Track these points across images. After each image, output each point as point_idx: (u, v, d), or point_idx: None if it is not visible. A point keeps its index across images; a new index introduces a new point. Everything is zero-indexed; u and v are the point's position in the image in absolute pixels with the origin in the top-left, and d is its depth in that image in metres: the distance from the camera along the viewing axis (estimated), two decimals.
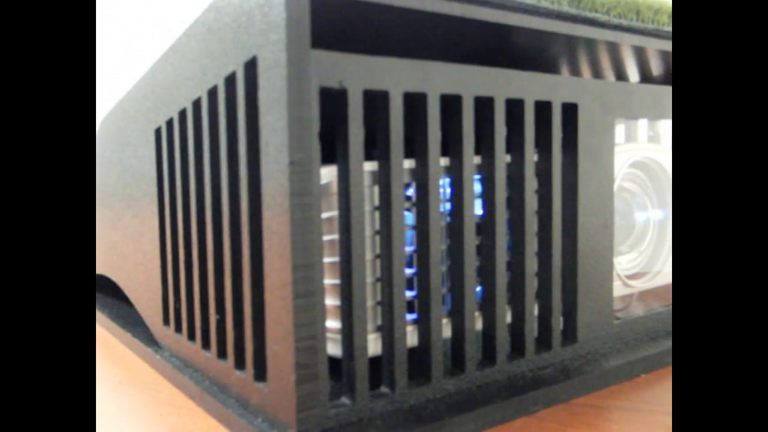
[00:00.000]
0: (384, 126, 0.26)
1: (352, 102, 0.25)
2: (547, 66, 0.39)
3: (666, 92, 0.37)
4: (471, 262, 0.29)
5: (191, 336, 0.35)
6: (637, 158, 0.40)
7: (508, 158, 0.31)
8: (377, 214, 0.28)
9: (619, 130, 0.44)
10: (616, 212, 0.37)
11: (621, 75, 0.43)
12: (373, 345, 0.28)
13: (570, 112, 0.33)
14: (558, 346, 0.33)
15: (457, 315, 0.29)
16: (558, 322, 0.33)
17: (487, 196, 0.30)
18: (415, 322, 0.29)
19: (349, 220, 0.26)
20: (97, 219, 0.54)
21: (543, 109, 0.32)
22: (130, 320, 0.49)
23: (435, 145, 0.28)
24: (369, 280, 0.29)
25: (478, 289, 0.31)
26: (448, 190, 0.29)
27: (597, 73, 0.42)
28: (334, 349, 0.28)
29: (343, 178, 0.26)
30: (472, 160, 0.29)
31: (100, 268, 0.54)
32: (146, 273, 0.41)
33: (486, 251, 0.30)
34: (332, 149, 0.26)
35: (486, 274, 0.30)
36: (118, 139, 0.47)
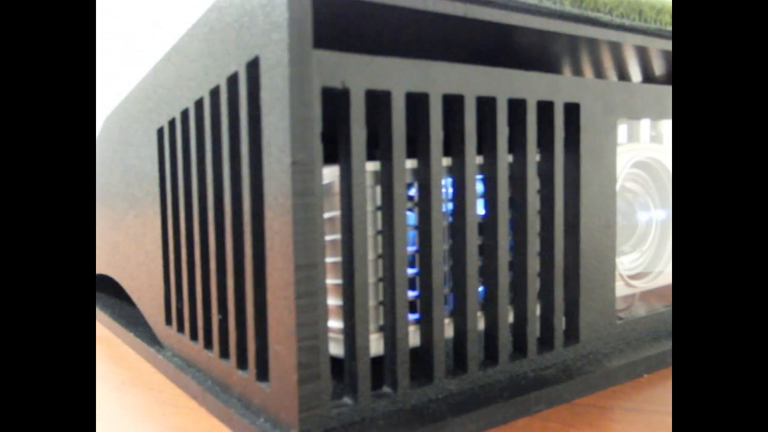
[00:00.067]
0: (386, 126, 0.26)
1: (355, 102, 0.25)
2: (550, 66, 0.39)
3: (668, 92, 0.37)
4: (473, 262, 0.29)
5: (193, 336, 0.35)
6: (639, 158, 0.40)
7: (510, 158, 0.31)
8: (379, 214, 0.28)
9: (622, 130, 0.44)
10: (618, 212, 0.37)
11: (623, 75, 0.43)
12: (375, 345, 0.28)
13: (572, 112, 0.33)
14: (560, 346, 0.33)
15: (459, 315, 0.29)
16: (560, 322, 0.33)
17: (489, 196, 0.30)
18: (417, 322, 0.29)
19: (352, 220, 0.26)
20: (100, 219, 0.54)
21: (545, 109, 0.32)
22: (133, 320, 0.49)
23: (437, 145, 0.28)
24: (371, 280, 0.29)
25: (481, 289, 0.31)
26: (450, 190, 0.29)
27: (599, 73, 0.42)
28: (336, 349, 0.28)
29: (346, 178, 0.26)
30: (474, 160, 0.29)
31: (103, 268, 0.54)
32: (148, 273, 0.41)
33: (488, 251, 0.30)
34: (334, 149, 0.26)
35: (488, 274, 0.30)
36: (120, 139, 0.47)
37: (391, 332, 0.27)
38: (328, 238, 0.29)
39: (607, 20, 0.32)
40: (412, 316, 0.29)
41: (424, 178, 0.28)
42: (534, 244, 0.31)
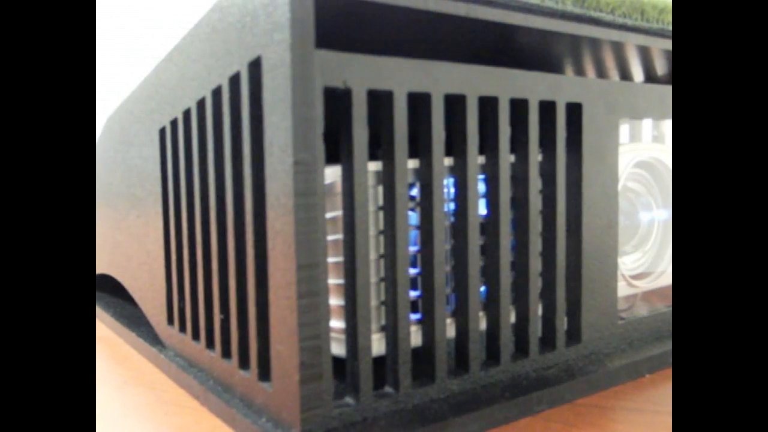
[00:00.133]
0: (388, 126, 0.26)
1: (356, 102, 0.25)
2: (552, 66, 0.39)
3: (670, 92, 0.37)
4: (475, 261, 0.29)
5: (195, 336, 0.35)
6: (641, 158, 0.40)
7: (512, 158, 0.31)
8: (381, 214, 0.28)
9: (624, 130, 0.44)
10: (620, 212, 0.36)
11: (625, 75, 0.43)
12: (377, 345, 0.28)
13: (574, 111, 0.32)
14: (562, 347, 0.33)
15: (461, 315, 0.29)
16: (562, 322, 0.33)
17: (491, 196, 0.30)
18: (419, 322, 0.29)
19: (353, 220, 0.26)
20: (102, 219, 0.54)
21: (547, 108, 0.31)
22: (135, 320, 0.49)
23: (439, 145, 0.28)
24: (373, 279, 0.29)
25: (482, 289, 0.31)
26: (452, 190, 0.29)
27: (601, 73, 0.42)
28: (338, 348, 0.28)
29: (347, 177, 0.26)
30: (476, 159, 0.29)
31: (105, 268, 0.54)
32: (150, 273, 0.41)
33: (490, 251, 0.30)
34: (336, 149, 0.26)
35: (490, 274, 0.30)
36: (122, 139, 0.47)
37: (392, 332, 0.27)
38: (330, 238, 0.29)
39: (609, 20, 0.32)
40: (413, 316, 0.29)
41: (426, 178, 0.28)
42: (536, 244, 0.31)
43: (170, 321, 0.39)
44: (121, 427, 0.30)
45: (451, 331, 0.30)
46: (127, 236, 0.46)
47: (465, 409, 0.27)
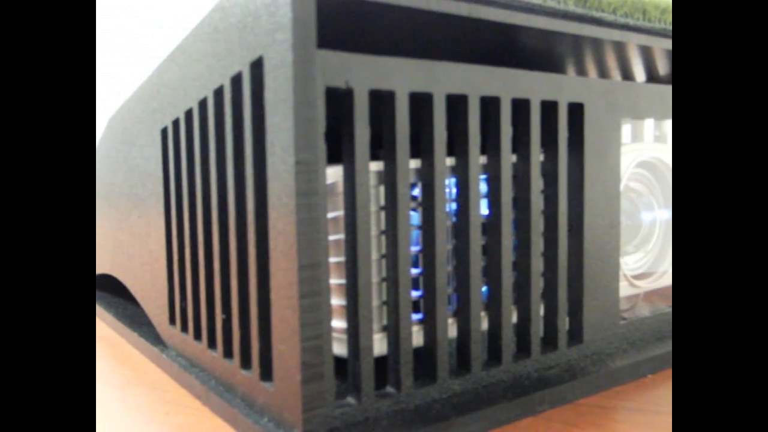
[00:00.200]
0: (390, 126, 0.26)
1: (358, 102, 0.25)
2: (553, 66, 0.39)
3: (672, 92, 0.37)
4: (477, 262, 0.29)
5: (197, 335, 0.35)
6: (643, 158, 0.40)
7: (513, 158, 0.31)
8: (383, 214, 0.28)
9: (626, 129, 0.44)
10: (622, 212, 0.36)
11: (627, 75, 0.43)
12: (379, 345, 0.28)
13: (576, 111, 0.32)
14: (564, 347, 0.33)
15: (462, 315, 0.29)
16: (564, 323, 0.33)
17: (493, 196, 0.30)
18: (420, 322, 0.29)
19: (355, 220, 0.26)
20: (104, 219, 0.54)
21: (549, 108, 0.31)
22: (137, 320, 0.49)
23: (441, 145, 0.28)
24: (375, 279, 0.29)
25: (484, 289, 0.31)
26: (454, 190, 0.29)
27: (603, 73, 0.41)
28: (339, 348, 0.28)
29: (349, 178, 0.26)
30: (477, 159, 0.29)
31: (107, 268, 0.54)
32: (152, 273, 0.41)
33: (492, 251, 0.30)
34: (338, 149, 0.26)
35: (492, 274, 0.30)
36: (124, 139, 0.47)
37: (394, 332, 0.27)
38: (331, 238, 0.29)
39: (611, 20, 0.32)
40: (415, 316, 0.29)
41: (427, 177, 0.28)
42: (537, 244, 0.31)
43: (172, 321, 0.39)
44: (123, 427, 0.30)
45: (452, 331, 0.30)
46: (129, 236, 0.46)
47: (467, 409, 0.27)
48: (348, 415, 0.26)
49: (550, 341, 0.32)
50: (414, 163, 0.28)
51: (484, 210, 0.31)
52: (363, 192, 0.25)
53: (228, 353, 0.31)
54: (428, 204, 0.28)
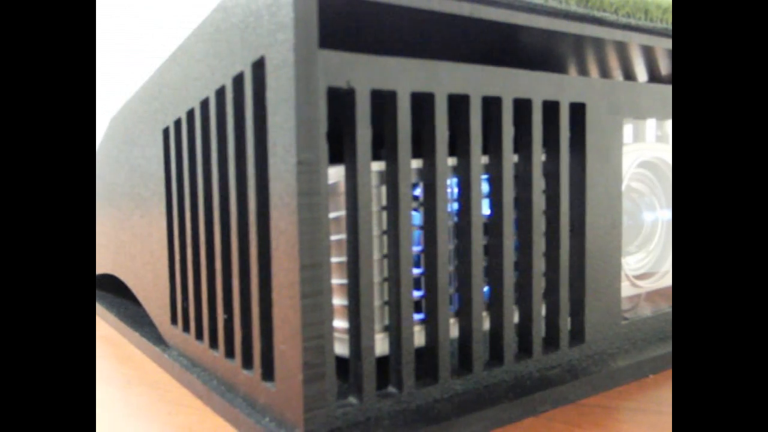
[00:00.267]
0: (391, 126, 0.26)
1: (360, 102, 0.25)
2: (555, 65, 0.39)
3: None
4: (478, 261, 0.29)
5: (199, 335, 0.35)
6: (645, 158, 0.40)
7: (515, 158, 0.31)
8: (385, 214, 0.28)
9: (628, 129, 0.44)
10: (624, 212, 0.36)
11: (629, 74, 0.43)
12: (381, 345, 0.28)
13: (578, 111, 0.32)
14: (565, 347, 0.33)
15: (464, 315, 0.29)
16: (565, 323, 0.33)
17: (495, 196, 0.30)
18: (422, 322, 0.29)
19: (357, 220, 0.26)
20: (106, 219, 0.54)
21: (551, 108, 0.31)
22: (138, 320, 0.49)
23: (442, 144, 0.28)
24: (376, 279, 0.29)
25: (486, 289, 0.31)
26: (456, 190, 0.29)
27: (605, 73, 0.41)
28: (341, 348, 0.28)
29: (351, 177, 0.26)
30: (479, 159, 0.29)
31: (108, 268, 0.54)
32: (154, 272, 0.41)
33: (493, 251, 0.30)
34: (340, 149, 0.26)
35: (493, 274, 0.30)
36: (126, 139, 0.47)
37: (396, 332, 0.27)
38: (333, 237, 0.29)
39: (612, 20, 0.32)
40: (417, 316, 0.29)
41: (429, 177, 0.28)
42: (539, 244, 0.31)
43: (174, 321, 0.39)
44: (125, 427, 0.30)
45: (454, 331, 0.30)
46: (131, 236, 0.46)
47: (468, 409, 0.27)
48: (350, 415, 0.26)
49: (551, 341, 0.32)
50: (416, 163, 0.28)
51: (485, 210, 0.31)
52: (365, 192, 0.26)
53: (229, 353, 0.31)
54: (430, 204, 0.28)
